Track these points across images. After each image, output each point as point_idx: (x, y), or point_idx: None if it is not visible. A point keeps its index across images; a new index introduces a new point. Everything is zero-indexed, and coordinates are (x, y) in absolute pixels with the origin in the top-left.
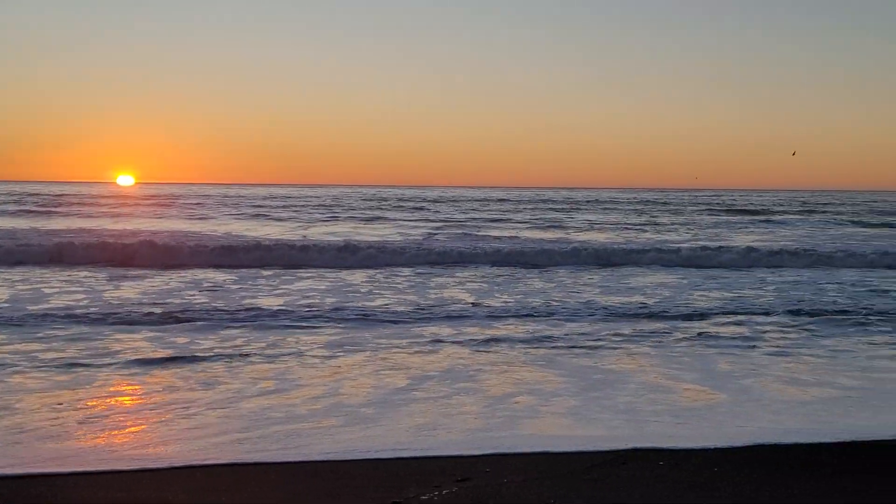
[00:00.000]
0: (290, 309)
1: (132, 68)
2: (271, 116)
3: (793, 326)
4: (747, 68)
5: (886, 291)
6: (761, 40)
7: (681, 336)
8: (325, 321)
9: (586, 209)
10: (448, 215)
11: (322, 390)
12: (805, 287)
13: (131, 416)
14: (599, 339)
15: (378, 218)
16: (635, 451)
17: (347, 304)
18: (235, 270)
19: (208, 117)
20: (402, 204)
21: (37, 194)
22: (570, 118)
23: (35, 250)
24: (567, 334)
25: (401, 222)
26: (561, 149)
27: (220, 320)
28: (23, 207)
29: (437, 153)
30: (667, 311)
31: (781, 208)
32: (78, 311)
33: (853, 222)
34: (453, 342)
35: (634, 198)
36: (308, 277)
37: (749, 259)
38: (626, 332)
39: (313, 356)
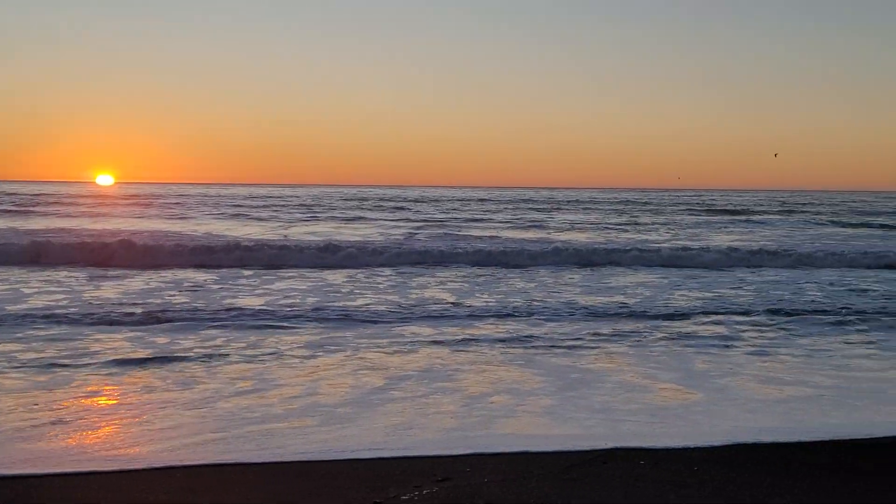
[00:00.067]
0: (270, 309)
1: (112, 67)
2: (251, 117)
3: (771, 326)
4: (731, 70)
5: (865, 291)
6: (745, 43)
7: (660, 336)
8: (306, 321)
9: (567, 209)
10: (429, 215)
11: (299, 390)
12: (784, 287)
13: (109, 417)
14: (579, 339)
15: (359, 218)
16: (616, 450)
17: (328, 304)
18: (216, 270)
19: (188, 117)
20: (382, 204)
21: (14, 194)
22: (552, 119)
23: (13, 250)
24: (546, 334)
25: (381, 222)
26: (543, 150)
27: (201, 320)
28: (0, 207)
29: (418, 153)
30: (646, 311)
31: (761, 208)
32: (58, 312)
33: (832, 222)
34: (433, 342)
35: (615, 198)
36: (289, 277)
37: (729, 259)
38: (606, 331)
39: (292, 356)
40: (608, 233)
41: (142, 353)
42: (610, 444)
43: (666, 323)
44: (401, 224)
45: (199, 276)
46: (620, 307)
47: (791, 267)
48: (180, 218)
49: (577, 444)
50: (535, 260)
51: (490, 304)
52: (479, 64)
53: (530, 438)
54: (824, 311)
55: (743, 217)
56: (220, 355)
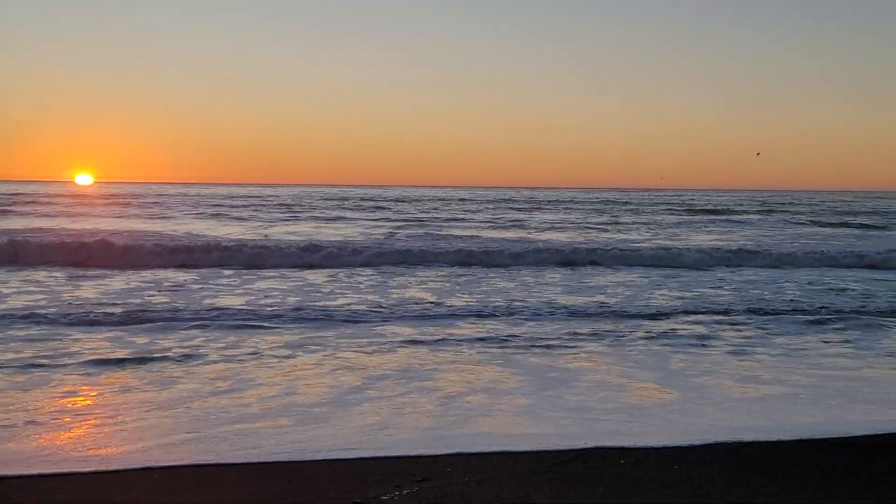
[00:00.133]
0: (250, 309)
1: (91, 66)
2: (230, 116)
3: (750, 325)
4: (714, 71)
5: (843, 290)
6: (729, 43)
7: (639, 335)
8: (286, 321)
9: (548, 209)
10: (410, 215)
11: (277, 390)
12: (763, 286)
13: (86, 417)
14: (558, 339)
15: (340, 217)
16: (595, 449)
17: (308, 304)
18: (196, 270)
19: (167, 116)
20: (363, 203)
21: None
22: (534, 120)
23: None
24: (526, 334)
25: (362, 222)
26: (525, 150)
27: (180, 320)
28: None
29: (399, 153)
30: (626, 311)
31: (742, 208)
32: (37, 312)
33: (812, 222)
34: (412, 342)
35: (596, 198)
36: (269, 277)
37: (709, 258)
38: (585, 331)
39: (271, 356)
40: (589, 232)
41: (120, 354)
42: (590, 444)
43: (645, 322)
44: (381, 224)
45: (179, 275)
46: (600, 307)
47: (770, 266)
48: (160, 217)
49: (556, 443)
50: (516, 259)
51: (470, 303)
52: (463, 65)
53: (510, 438)
54: (803, 311)
55: (723, 217)
56: (198, 355)
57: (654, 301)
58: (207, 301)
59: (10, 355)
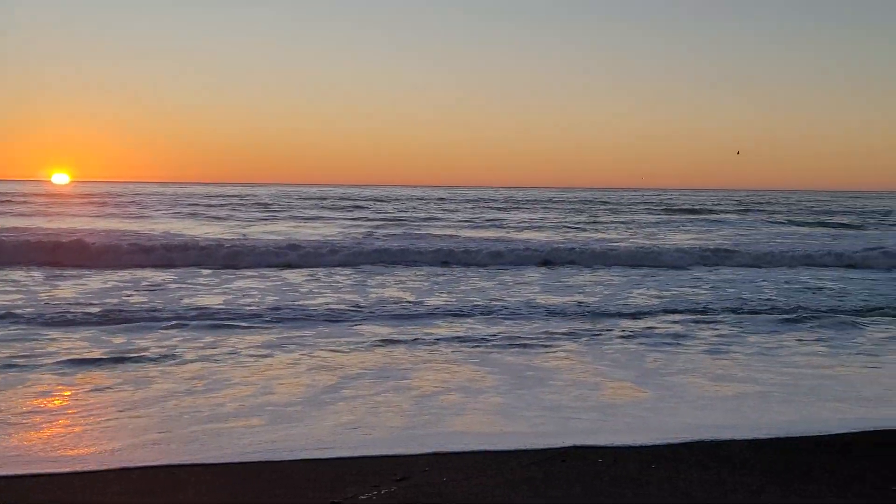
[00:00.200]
0: (228, 308)
1: (66, 63)
2: (207, 115)
3: (726, 324)
4: (695, 71)
5: (819, 289)
6: (707, 43)
7: (616, 334)
8: (264, 320)
9: (526, 208)
10: (388, 214)
11: (253, 390)
12: (740, 285)
13: (62, 418)
14: (535, 338)
15: (318, 217)
16: (573, 448)
17: (287, 304)
18: (174, 270)
19: (144, 115)
20: (342, 202)
21: None
22: (514, 120)
23: None
24: (503, 333)
25: (341, 221)
26: (505, 150)
27: (158, 320)
28: None
29: (376, 153)
30: (604, 310)
31: (720, 207)
32: (13, 311)
33: (789, 221)
34: (390, 341)
35: (575, 197)
36: (248, 277)
37: (686, 257)
38: (563, 330)
39: (249, 356)
40: (567, 232)
41: (97, 353)
42: (567, 443)
43: (623, 321)
44: (360, 223)
45: (157, 275)
46: (578, 306)
47: (747, 265)
48: (137, 217)
49: (534, 442)
50: (495, 259)
51: (448, 303)
52: (441, 64)
53: (488, 437)
54: (779, 310)
55: (701, 216)
56: (175, 355)
57: (632, 300)
58: (185, 301)
59: None
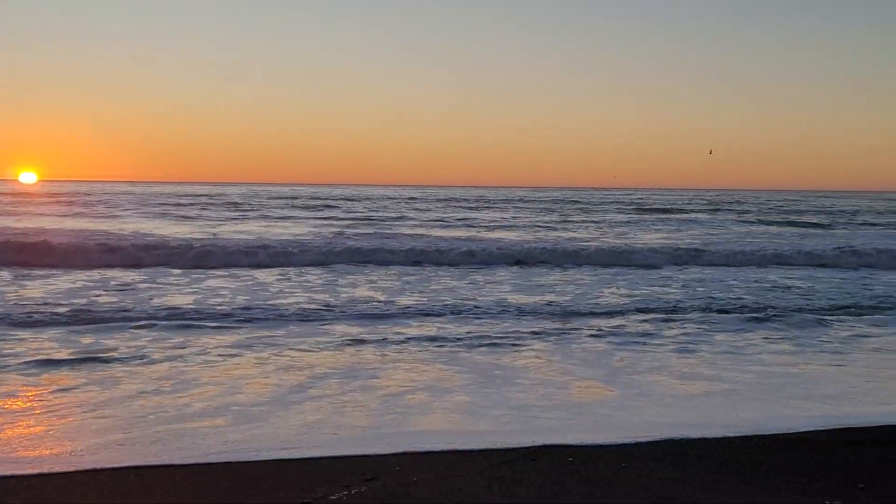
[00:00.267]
0: (199, 308)
1: (33, 61)
2: (175, 114)
3: (695, 323)
4: (667, 68)
5: (788, 288)
6: (679, 41)
7: (585, 333)
8: (234, 320)
9: (497, 208)
10: (359, 213)
11: (219, 390)
12: (710, 284)
13: (30, 419)
14: (505, 337)
15: (289, 216)
16: (544, 447)
17: (257, 303)
18: (144, 270)
19: (112, 113)
20: (313, 202)
21: None
22: (487, 120)
23: None
24: (474, 332)
25: (312, 220)
26: (477, 148)
27: (127, 320)
28: None
29: (346, 152)
30: (574, 309)
31: (690, 206)
32: None
33: (759, 220)
34: (360, 340)
35: (547, 197)
36: (218, 276)
37: (657, 257)
38: (533, 329)
39: (218, 355)
40: (538, 231)
41: (64, 354)
42: (538, 442)
43: (593, 321)
44: (331, 222)
45: (126, 275)
46: (548, 305)
47: (717, 265)
48: (106, 216)
49: (504, 441)
50: (466, 258)
51: (419, 302)
52: (413, 63)
53: (456, 436)
54: (748, 308)
55: (672, 216)
56: (144, 355)
57: (603, 299)
58: (155, 301)
59: None
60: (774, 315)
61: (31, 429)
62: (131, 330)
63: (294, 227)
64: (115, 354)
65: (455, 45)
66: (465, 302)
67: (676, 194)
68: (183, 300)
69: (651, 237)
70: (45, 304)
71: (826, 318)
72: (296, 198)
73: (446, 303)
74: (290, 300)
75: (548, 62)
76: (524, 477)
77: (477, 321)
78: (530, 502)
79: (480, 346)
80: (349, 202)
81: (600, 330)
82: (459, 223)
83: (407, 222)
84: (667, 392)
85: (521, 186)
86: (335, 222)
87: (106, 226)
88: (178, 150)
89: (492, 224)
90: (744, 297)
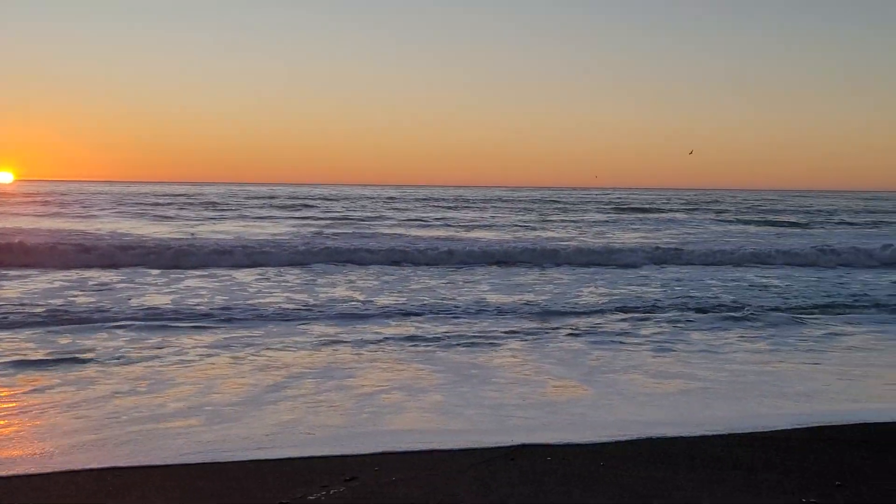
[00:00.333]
0: (176, 308)
1: (9, 60)
2: (157, 113)
3: (672, 322)
4: (647, 69)
5: (765, 286)
6: (660, 40)
7: (563, 332)
8: (212, 320)
9: (476, 207)
10: (337, 213)
11: (194, 390)
12: (688, 283)
13: (2, 419)
14: (483, 336)
15: (268, 216)
16: (522, 446)
17: (236, 303)
18: (121, 269)
19: (89, 113)
20: (291, 202)
21: None
22: (466, 118)
23: None
24: (452, 332)
25: (291, 220)
26: (455, 147)
27: (105, 320)
28: None
29: (326, 151)
30: (552, 308)
31: (668, 206)
32: None
33: (737, 220)
34: (337, 340)
35: (526, 196)
36: (197, 276)
37: (635, 256)
38: (511, 328)
39: (195, 356)
40: (517, 231)
41: (40, 354)
42: (517, 441)
43: (571, 319)
44: (310, 222)
45: (104, 275)
46: (527, 304)
47: (695, 263)
48: (84, 217)
49: (482, 440)
50: (445, 258)
51: (398, 302)
52: (388, 61)
53: (434, 435)
54: (725, 307)
55: (651, 215)
56: (121, 355)
57: (581, 299)
58: (133, 301)
59: None
60: (751, 314)
61: (3, 430)
62: (109, 330)
63: (272, 227)
64: (91, 355)
65: (428, 45)
66: (444, 301)
67: (655, 194)
68: (161, 300)
69: (630, 236)
70: (22, 304)
71: (802, 316)
72: (274, 197)
73: (425, 302)
74: (269, 300)
75: (528, 63)
76: (503, 476)
77: (455, 321)
78: (510, 502)
79: (458, 345)
80: (327, 202)
81: (577, 329)
82: (438, 223)
83: (385, 222)
84: (642, 391)
85: (500, 186)
86: (314, 222)
87: (83, 226)
88: (156, 150)
89: (471, 224)
90: (721, 295)
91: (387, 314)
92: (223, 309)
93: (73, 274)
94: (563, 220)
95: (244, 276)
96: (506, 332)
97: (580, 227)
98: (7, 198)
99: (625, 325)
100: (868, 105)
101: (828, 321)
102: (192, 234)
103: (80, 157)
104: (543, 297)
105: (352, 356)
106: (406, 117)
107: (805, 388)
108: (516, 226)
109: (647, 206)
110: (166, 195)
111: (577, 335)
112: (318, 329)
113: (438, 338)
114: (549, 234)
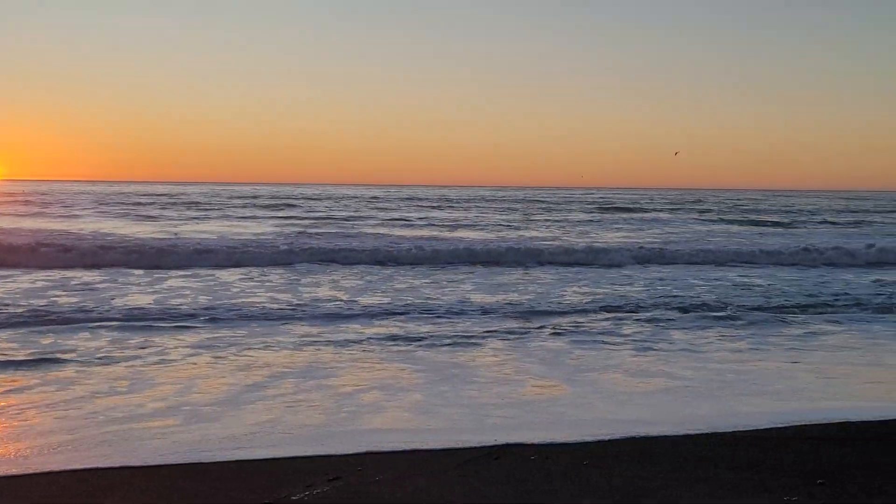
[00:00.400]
0: (160, 308)
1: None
2: (140, 112)
3: (654, 321)
4: (634, 70)
5: (748, 286)
6: (647, 42)
7: (546, 332)
8: (195, 320)
9: (460, 207)
10: (321, 213)
11: (174, 390)
12: (671, 282)
13: None
14: (466, 336)
15: (251, 216)
16: (507, 445)
17: (219, 303)
18: (104, 269)
19: (71, 112)
20: (274, 201)
21: None
22: (450, 117)
23: None
24: (434, 332)
25: (274, 220)
26: (442, 146)
27: (87, 321)
28: None
29: (309, 150)
30: (536, 308)
31: (652, 206)
32: None
33: (721, 219)
34: (320, 340)
35: (510, 196)
36: (180, 276)
37: (619, 255)
38: (494, 328)
39: (177, 355)
40: (501, 230)
41: (21, 354)
42: (499, 440)
43: (553, 319)
44: (293, 222)
45: (87, 275)
46: (510, 304)
47: (679, 263)
48: (66, 216)
49: (459, 438)
50: (429, 257)
51: (381, 301)
52: (364, 60)
53: (414, 434)
54: (707, 306)
55: (635, 215)
56: (103, 356)
57: (564, 298)
58: (116, 301)
59: None
60: (733, 313)
61: None
62: (91, 330)
63: (256, 227)
64: (73, 355)
65: (408, 45)
66: (427, 301)
67: (639, 193)
68: (144, 300)
69: (613, 236)
70: (4, 304)
71: (784, 315)
72: (257, 197)
73: (408, 302)
74: (252, 300)
75: (513, 64)
76: (488, 476)
77: (438, 320)
78: (495, 501)
79: (440, 345)
80: (311, 201)
81: (560, 329)
82: (422, 222)
83: (369, 221)
84: (623, 389)
85: (484, 185)
86: (297, 221)
87: (65, 225)
88: (138, 151)
89: (454, 223)
90: (704, 295)
91: (370, 314)
92: (206, 309)
93: (56, 274)
94: (546, 220)
95: (227, 275)
96: (488, 332)
97: (564, 227)
98: None
99: (607, 325)
100: (853, 107)
101: (809, 320)
102: (176, 234)
103: (62, 157)
104: (527, 297)
105: (333, 356)
106: (389, 118)
107: (786, 386)
108: (500, 225)
109: (631, 205)
110: (149, 195)
111: (559, 334)
112: (301, 329)
113: (421, 337)
114: (533, 233)
